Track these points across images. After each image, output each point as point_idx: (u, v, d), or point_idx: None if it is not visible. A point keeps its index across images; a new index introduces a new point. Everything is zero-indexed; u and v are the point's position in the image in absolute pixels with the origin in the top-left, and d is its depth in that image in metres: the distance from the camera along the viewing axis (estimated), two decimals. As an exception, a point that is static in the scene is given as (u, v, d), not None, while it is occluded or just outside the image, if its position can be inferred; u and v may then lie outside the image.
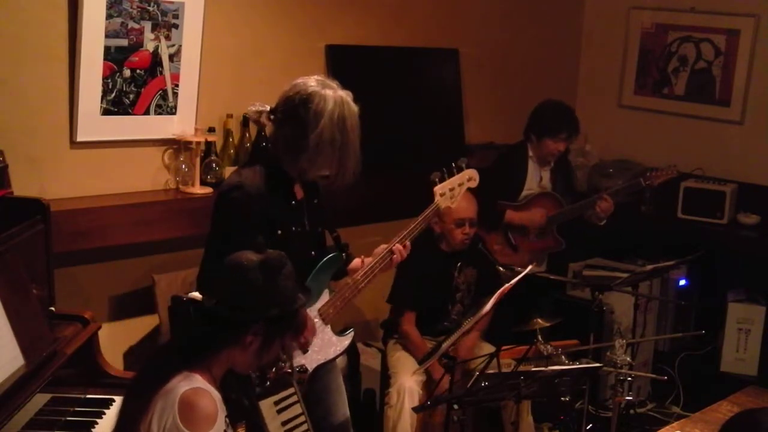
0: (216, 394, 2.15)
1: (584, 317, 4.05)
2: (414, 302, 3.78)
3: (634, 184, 4.44)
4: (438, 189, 3.11)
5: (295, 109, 2.74)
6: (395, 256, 2.99)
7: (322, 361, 2.96)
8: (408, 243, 3.03)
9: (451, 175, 3.15)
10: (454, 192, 3.14)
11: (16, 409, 2.30)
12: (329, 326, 2.98)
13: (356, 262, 3.05)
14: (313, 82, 2.78)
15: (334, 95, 2.75)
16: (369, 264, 3.00)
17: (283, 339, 2.28)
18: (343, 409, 3.14)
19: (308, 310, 2.89)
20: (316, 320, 2.92)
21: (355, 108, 2.80)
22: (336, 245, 3.05)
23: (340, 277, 3.06)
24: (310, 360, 2.92)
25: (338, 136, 2.74)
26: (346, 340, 3.04)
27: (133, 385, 2.23)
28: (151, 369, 2.24)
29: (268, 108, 2.82)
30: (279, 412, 2.72)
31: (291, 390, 2.75)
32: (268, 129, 2.95)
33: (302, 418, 2.76)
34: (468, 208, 3.69)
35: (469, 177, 3.20)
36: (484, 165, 4.78)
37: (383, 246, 3.03)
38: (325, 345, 2.97)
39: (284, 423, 2.72)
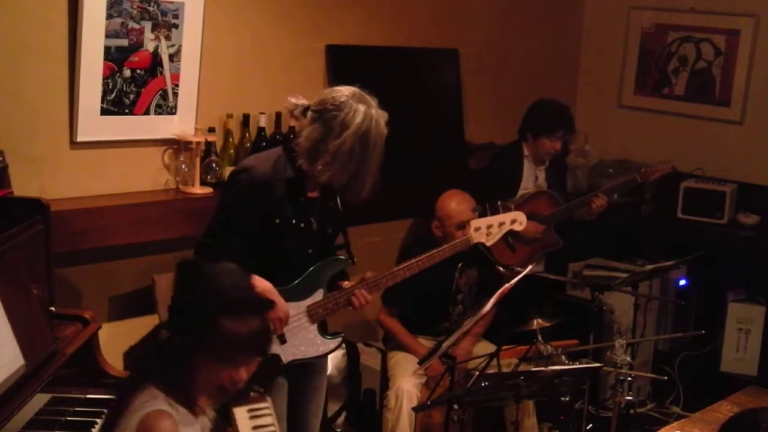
0: (183, 415, 2.07)
1: (584, 317, 4.05)
2: (399, 301, 3.78)
3: (630, 181, 4.44)
4: (474, 223, 3.12)
5: (325, 114, 2.77)
6: (354, 300, 2.95)
7: (299, 357, 2.96)
8: (368, 295, 2.97)
9: (494, 212, 3.13)
10: (491, 230, 3.12)
11: (16, 409, 2.29)
12: (315, 325, 2.98)
13: (344, 284, 3.02)
14: (349, 92, 2.80)
15: (366, 111, 2.76)
16: (326, 299, 2.97)
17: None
18: (313, 419, 3.15)
19: (297, 305, 2.92)
20: (301, 317, 2.93)
21: (383, 129, 2.81)
22: (345, 250, 3.06)
23: (331, 289, 3.03)
24: (285, 352, 2.92)
25: (358, 150, 2.75)
26: (331, 344, 3.03)
27: (113, 400, 2.19)
28: (125, 385, 2.19)
29: (306, 103, 2.84)
30: (251, 418, 2.78)
31: (265, 404, 2.81)
32: (298, 124, 2.96)
33: (272, 428, 2.80)
34: (469, 212, 3.68)
35: (514, 219, 3.15)
36: (485, 165, 4.81)
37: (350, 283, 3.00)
38: (307, 343, 2.96)
39: (255, 428, 2.78)
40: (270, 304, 2.23)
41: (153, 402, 2.05)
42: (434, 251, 3.11)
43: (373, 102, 2.81)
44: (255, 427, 2.78)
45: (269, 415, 2.81)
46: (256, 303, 2.16)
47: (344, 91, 2.80)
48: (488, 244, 3.17)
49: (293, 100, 2.86)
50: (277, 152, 2.90)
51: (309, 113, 2.82)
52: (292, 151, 2.86)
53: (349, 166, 2.77)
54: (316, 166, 2.78)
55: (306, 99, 2.86)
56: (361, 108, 2.76)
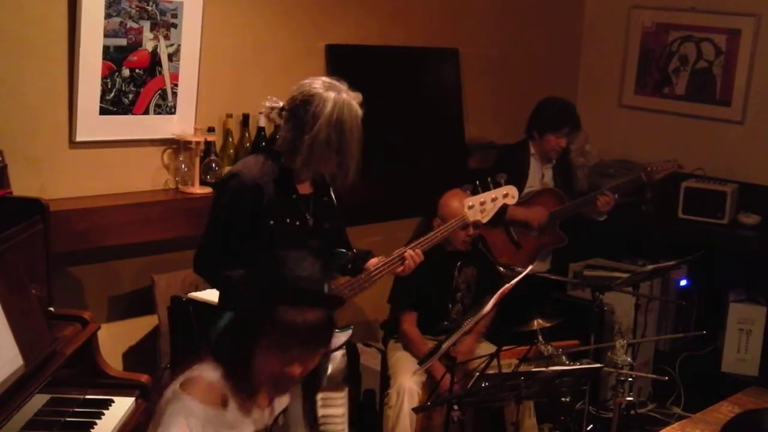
0: (232, 411, 2.07)
1: (585, 317, 4.04)
2: (414, 302, 3.78)
3: (635, 179, 4.44)
4: (467, 201, 3.12)
5: (296, 110, 2.78)
6: (407, 261, 2.99)
7: None
8: (420, 251, 3.03)
9: (485, 189, 3.13)
10: (485, 206, 3.12)
11: (15, 410, 2.29)
12: None
13: (373, 261, 3.05)
14: (318, 83, 2.80)
15: (336, 97, 2.76)
16: (376, 265, 3.00)
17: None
18: None
19: None
20: None
21: (357, 111, 2.80)
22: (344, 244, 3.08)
23: (355, 274, 3.04)
24: None
25: (334, 139, 2.75)
26: (342, 337, 3.03)
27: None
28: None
29: (280, 104, 2.85)
30: (322, 406, 2.74)
31: (341, 394, 2.77)
32: (272, 125, 2.98)
33: (340, 419, 2.77)
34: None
35: (506, 193, 3.16)
36: (484, 165, 4.81)
37: (398, 250, 3.04)
38: None
39: (322, 416, 2.77)
40: (337, 301, 2.21)
41: (204, 370, 2.06)
42: (430, 234, 3.10)
43: (344, 86, 2.81)
44: (323, 416, 2.73)
45: (341, 406, 2.77)
46: (318, 297, 2.13)
47: (313, 83, 2.80)
48: (483, 221, 3.17)
49: (268, 103, 2.88)
50: (263, 155, 2.91)
51: (283, 113, 2.84)
52: (273, 152, 2.87)
53: (329, 156, 2.77)
54: (296, 162, 2.79)
55: (281, 101, 2.86)
56: (330, 95, 2.75)
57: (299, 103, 2.77)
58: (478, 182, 3.15)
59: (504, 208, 4.15)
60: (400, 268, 3.01)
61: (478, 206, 3.11)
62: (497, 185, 3.15)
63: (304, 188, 2.94)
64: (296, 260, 2.13)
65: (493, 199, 3.13)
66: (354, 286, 2.99)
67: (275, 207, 2.85)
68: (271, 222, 2.84)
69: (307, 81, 2.83)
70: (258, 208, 2.82)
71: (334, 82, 2.81)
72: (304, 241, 2.94)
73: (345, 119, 2.76)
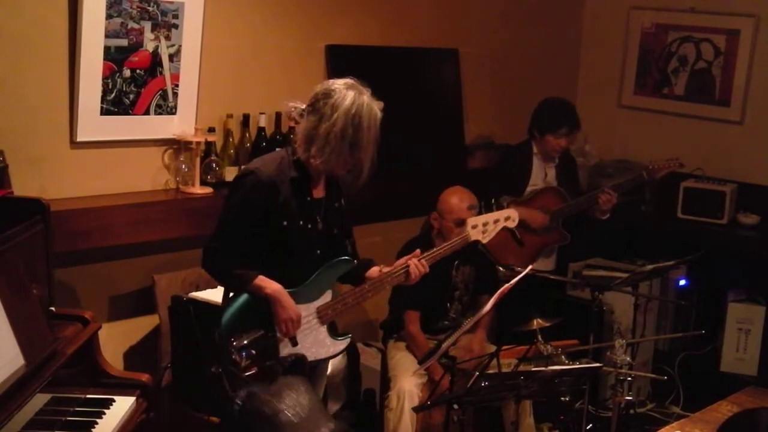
0: None
1: (584, 317, 4.05)
2: (416, 302, 3.78)
3: (637, 177, 4.46)
4: (471, 221, 3.15)
5: (316, 104, 2.81)
6: (412, 269, 3.00)
7: (311, 359, 2.96)
8: (425, 262, 3.03)
9: (489, 210, 3.17)
10: (487, 227, 3.15)
11: (16, 409, 2.30)
12: (325, 327, 2.98)
13: (374, 270, 3.06)
14: (341, 82, 2.84)
15: (356, 95, 2.79)
16: (380, 276, 3.00)
17: None
18: None
19: (306, 306, 2.92)
20: (311, 318, 2.93)
21: (377, 113, 2.82)
22: (350, 251, 3.08)
23: (357, 284, 3.05)
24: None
25: (350, 132, 2.76)
26: (341, 345, 3.03)
27: None
28: None
29: (303, 106, 2.88)
30: None
31: None
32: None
33: None
34: (467, 210, 3.69)
35: (508, 216, 3.20)
36: (484, 165, 4.81)
37: (402, 259, 3.05)
38: (317, 344, 2.96)
39: None
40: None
41: None
42: (434, 249, 3.11)
43: (366, 91, 2.83)
44: None
45: None
46: None
47: (336, 81, 2.84)
48: (484, 241, 3.19)
49: (292, 104, 2.90)
50: (281, 154, 2.92)
51: (305, 110, 2.86)
52: (291, 148, 2.89)
53: (342, 149, 2.77)
54: (311, 153, 2.80)
55: (304, 102, 2.89)
56: (350, 93, 2.78)
57: (320, 96, 2.81)
58: (482, 203, 3.20)
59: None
60: (405, 279, 3.01)
61: (480, 227, 3.15)
62: (500, 207, 3.21)
63: (317, 192, 2.95)
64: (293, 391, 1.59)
65: (495, 221, 3.17)
66: (357, 295, 2.99)
67: (289, 207, 2.85)
68: (284, 222, 2.85)
69: (331, 80, 2.87)
70: (272, 206, 2.83)
71: (358, 84, 2.84)
72: (312, 244, 2.95)
73: (363, 116, 2.78)
